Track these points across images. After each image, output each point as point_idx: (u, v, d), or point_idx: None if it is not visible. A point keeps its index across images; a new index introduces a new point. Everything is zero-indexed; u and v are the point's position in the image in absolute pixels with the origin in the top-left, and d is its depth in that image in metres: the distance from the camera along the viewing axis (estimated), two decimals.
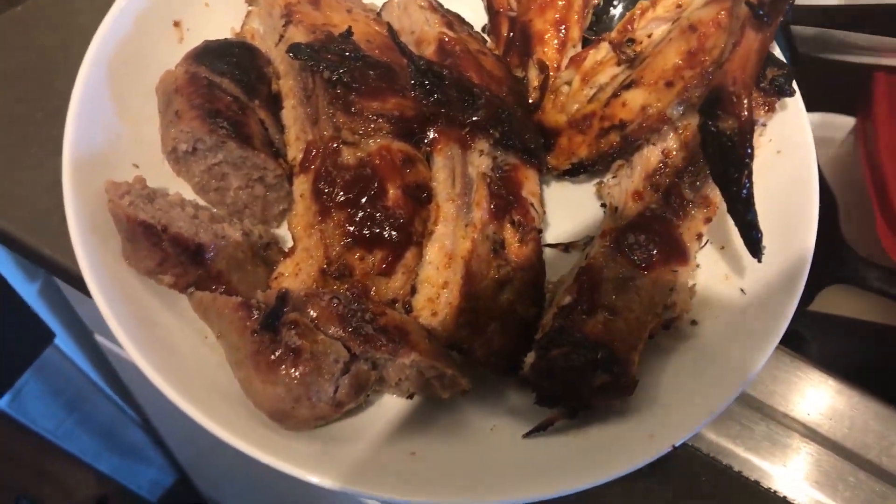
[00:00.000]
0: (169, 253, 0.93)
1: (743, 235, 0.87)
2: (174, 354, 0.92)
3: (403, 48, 0.96)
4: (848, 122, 1.81)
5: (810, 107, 1.83)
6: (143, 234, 0.92)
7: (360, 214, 0.96)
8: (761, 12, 0.82)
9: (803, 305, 1.59)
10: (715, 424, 1.09)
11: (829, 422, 1.11)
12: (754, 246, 0.87)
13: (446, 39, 1.04)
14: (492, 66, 1.04)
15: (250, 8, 1.15)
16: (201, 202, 1.05)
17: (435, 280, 0.92)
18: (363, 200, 0.96)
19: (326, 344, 0.88)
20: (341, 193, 0.97)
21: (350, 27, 1.03)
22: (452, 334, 0.92)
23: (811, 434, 1.10)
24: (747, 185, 0.84)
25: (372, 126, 0.99)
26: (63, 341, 1.94)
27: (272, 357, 0.86)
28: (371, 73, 1.00)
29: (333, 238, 0.96)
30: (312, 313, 0.90)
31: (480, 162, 0.96)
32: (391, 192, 0.96)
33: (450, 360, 0.93)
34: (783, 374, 1.13)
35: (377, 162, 0.97)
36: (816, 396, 1.12)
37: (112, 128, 1.03)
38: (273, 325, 0.87)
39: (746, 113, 0.82)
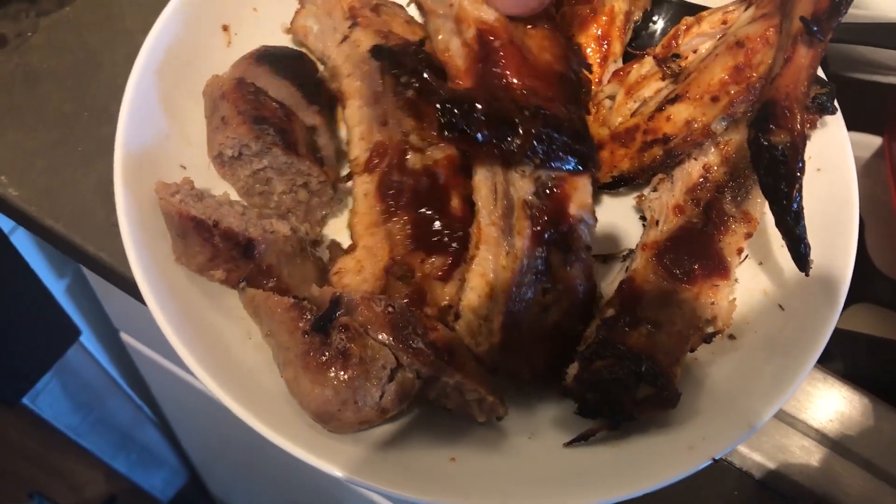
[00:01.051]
0: (220, 248, 0.95)
1: (791, 249, 0.88)
2: (222, 353, 0.93)
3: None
4: (875, 141, 1.82)
5: None
6: (194, 229, 0.94)
7: (425, 219, 0.98)
8: (815, 28, 0.83)
9: None
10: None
11: (857, 436, 1.12)
12: (802, 260, 0.88)
13: (486, 28, 0.98)
14: (539, 49, 0.99)
15: (302, 7, 1.16)
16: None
17: (477, 309, 0.92)
18: (427, 206, 0.99)
19: (375, 349, 0.88)
20: (407, 196, 0.99)
21: (423, 38, 1.05)
22: (495, 362, 0.93)
23: (843, 451, 1.11)
24: (798, 199, 0.85)
25: None
26: (88, 339, 1.96)
27: (322, 359, 0.88)
28: (440, 81, 1.02)
29: (397, 239, 0.98)
30: (364, 317, 0.91)
31: (522, 186, 0.95)
32: (454, 200, 0.99)
33: (492, 386, 0.93)
34: (812, 388, 1.13)
35: (443, 170, 1.00)
36: (842, 409, 1.13)
37: (161, 130, 1.04)
38: (325, 327, 0.88)
39: (799, 127, 0.83)
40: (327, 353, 0.88)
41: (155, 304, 0.90)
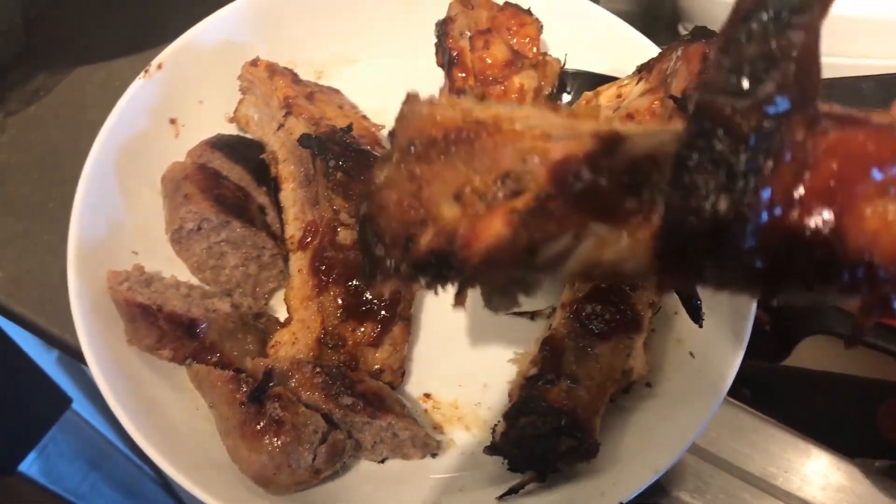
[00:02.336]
0: (165, 330, 1.03)
1: (684, 304, 0.95)
2: (168, 426, 1.01)
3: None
4: None
5: None
6: (141, 314, 1.03)
7: (354, 291, 1.06)
8: (686, 104, 0.91)
9: (781, 359, 1.66)
10: (676, 480, 1.15)
11: (786, 475, 1.17)
12: (694, 313, 0.95)
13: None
14: None
15: (244, 96, 1.26)
16: (195, 282, 1.15)
17: None
18: (357, 278, 1.06)
19: (307, 416, 0.97)
20: (337, 270, 1.07)
21: (351, 123, 1.14)
22: None
23: (770, 489, 1.16)
24: None
25: None
26: (81, 405, 2.04)
27: (257, 427, 0.96)
28: (366, 162, 1.12)
29: (329, 311, 1.06)
30: (296, 383, 1.00)
31: None
32: None
33: (420, 423, 1.02)
34: (744, 431, 1.19)
35: None
36: (776, 452, 1.18)
37: (115, 218, 1.13)
38: (259, 398, 0.96)
39: None
40: (262, 422, 0.96)
41: (104, 384, 0.98)
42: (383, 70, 1.33)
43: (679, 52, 0.97)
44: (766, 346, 1.67)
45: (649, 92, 1.01)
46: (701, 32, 0.96)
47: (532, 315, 1.16)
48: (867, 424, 1.43)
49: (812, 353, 1.69)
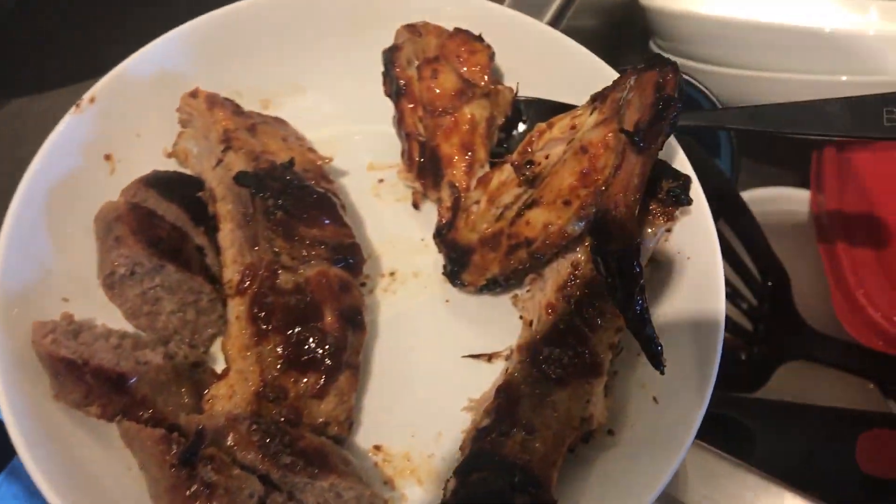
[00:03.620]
0: (92, 385, 0.96)
1: (644, 350, 0.89)
2: (96, 488, 0.94)
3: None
4: (804, 195, 1.84)
5: (769, 181, 1.86)
6: (66, 369, 0.96)
7: (296, 338, 0.99)
8: (637, 139, 0.85)
9: (758, 388, 1.61)
10: None
11: None
12: (655, 359, 0.89)
13: None
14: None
15: (183, 129, 1.19)
16: (130, 328, 1.08)
17: None
18: (299, 324, 1.00)
19: (242, 479, 0.90)
20: (278, 317, 1.00)
21: (293, 158, 1.08)
22: None
23: None
24: (640, 302, 0.86)
25: (312, 252, 1.03)
26: None
27: (188, 492, 0.88)
28: (310, 200, 1.05)
29: (269, 361, 0.99)
30: (231, 442, 0.93)
31: None
32: (328, 317, 1.00)
33: (366, 483, 0.95)
34: (715, 477, 1.13)
35: (314, 287, 1.01)
36: (749, 499, 1.12)
37: (43, 264, 1.06)
38: (190, 460, 0.89)
39: (631, 234, 0.85)
40: (193, 487, 0.88)
41: (21, 443, 0.91)
42: (332, 99, 1.28)
43: (632, 81, 0.91)
44: (743, 375, 1.62)
45: (603, 123, 0.96)
46: (653, 60, 0.90)
47: (489, 357, 1.10)
48: (846, 457, 1.37)
49: (790, 381, 1.65)
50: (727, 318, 1.02)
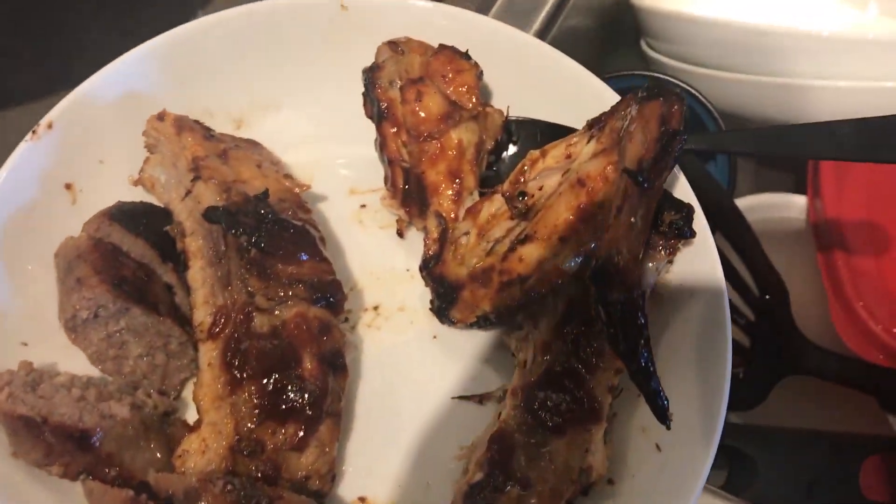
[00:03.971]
0: (53, 443, 0.89)
1: (649, 404, 0.83)
2: None
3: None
4: (801, 201, 1.79)
5: (765, 186, 1.81)
6: (24, 427, 0.89)
7: (273, 387, 0.92)
8: (641, 178, 0.79)
9: (756, 405, 1.55)
10: None
11: None
12: (661, 413, 0.83)
13: None
14: None
15: (150, 155, 1.12)
16: (95, 372, 1.01)
17: None
18: (276, 371, 0.92)
19: None
20: (253, 363, 0.93)
21: (267, 189, 1.01)
22: None
23: None
24: (645, 354, 0.80)
25: (289, 291, 0.96)
26: None
27: None
28: (286, 235, 0.98)
29: (244, 412, 0.92)
30: (206, 502, 0.86)
31: None
32: (307, 362, 0.93)
33: None
34: None
35: (292, 330, 0.94)
36: None
37: (0, 303, 0.99)
38: None
39: (634, 282, 0.78)
40: None
41: None
42: (310, 117, 1.20)
43: (634, 111, 0.84)
44: (741, 392, 1.57)
45: (602, 153, 0.89)
46: (657, 88, 0.83)
47: (481, 398, 1.03)
48: (850, 484, 1.33)
49: (788, 397, 1.60)
50: None
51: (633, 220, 0.80)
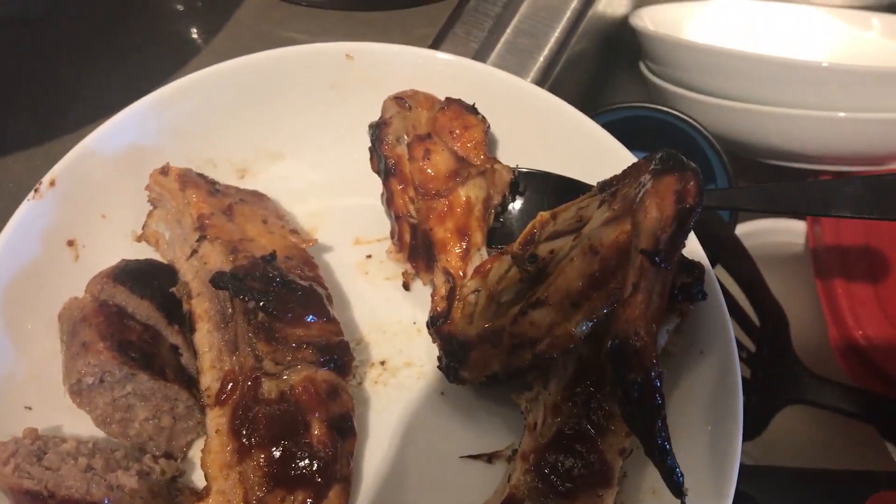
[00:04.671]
0: None
1: (664, 479, 0.82)
2: None
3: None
4: (801, 226, 1.80)
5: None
6: (30, 502, 0.88)
7: (282, 453, 0.91)
8: (658, 259, 0.78)
9: (757, 434, 1.56)
10: None
11: None
12: (676, 490, 0.82)
13: None
14: None
15: (153, 209, 1.10)
16: (101, 434, 1.00)
17: None
18: (285, 438, 0.92)
19: None
20: (262, 430, 0.92)
21: (274, 251, 1.00)
22: None
23: None
24: (662, 433, 0.79)
25: (297, 355, 0.96)
26: None
27: None
28: (294, 298, 0.97)
29: (253, 479, 0.91)
30: None
31: None
32: (315, 427, 0.92)
33: None
34: None
35: (300, 395, 0.94)
36: None
37: (4, 367, 0.98)
38: None
39: (651, 362, 0.78)
40: None
41: None
42: (314, 167, 1.19)
43: (648, 183, 0.83)
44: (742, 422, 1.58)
45: (614, 221, 0.88)
46: (672, 161, 0.83)
47: (489, 457, 1.03)
48: None
49: (788, 426, 1.61)
50: None
51: (650, 298, 0.79)
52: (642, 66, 1.86)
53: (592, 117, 1.56)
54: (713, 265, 1.56)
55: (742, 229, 1.78)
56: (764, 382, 1.60)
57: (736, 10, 2.00)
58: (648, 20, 1.80)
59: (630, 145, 1.10)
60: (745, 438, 1.57)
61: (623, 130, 1.55)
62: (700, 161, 1.65)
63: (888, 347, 1.56)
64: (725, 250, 1.53)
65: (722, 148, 1.61)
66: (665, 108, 1.61)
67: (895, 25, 1.90)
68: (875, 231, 1.66)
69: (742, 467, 1.47)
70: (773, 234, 1.81)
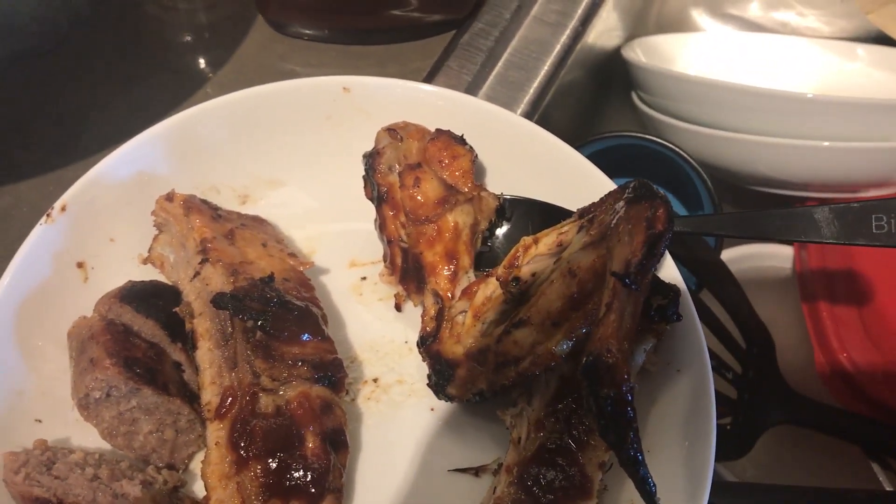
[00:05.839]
0: None
1: (637, 488, 0.87)
2: None
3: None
4: (787, 251, 1.84)
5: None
6: None
7: (278, 465, 0.96)
8: (628, 281, 0.83)
9: (743, 454, 1.60)
10: None
11: None
12: (649, 498, 0.86)
13: None
14: None
15: (159, 233, 1.16)
16: (107, 446, 1.05)
17: None
18: (281, 450, 0.97)
19: None
20: (259, 443, 0.97)
21: (272, 273, 1.05)
22: None
23: None
24: (634, 444, 0.84)
25: (293, 372, 1.01)
26: None
27: None
28: (290, 317, 1.03)
29: (250, 489, 0.96)
30: None
31: None
32: (309, 441, 0.97)
33: None
34: None
35: (296, 409, 0.99)
36: None
37: (14, 385, 1.03)
38: None
39: (624, 378, 0.83)
40: None
41: None
42: (312, 193, 1.24)
43: (622, 211, 0.89)
44: (728, 443, 1.61)
45: (591, 246, 0.93)
46: (642, 189, 0.88)
47: (477, 471, 1.07)
48: None
49: (774, 446, 1.64)
50: None
51: (622, 317, 0.85)
52: (634, 96, 1.92)
53: (584, 145, 1.64)
54: (699, 290, 1.61)
55: (730, 254, 1.83)
56: (750, 403, 1.64)
57: (725, 42, 2.06)
58: (640, 52, 1.87)
59: (620, 173, 1.16)
60: (731, 458, 1.63)
61: (613, 158, 1.62)
62: (687, 189, 1.71)
63: (872, 370, 1.59)
64: (711, 275, 1.58)
65: (712, 175, 1.67)
66: (653, 138, 1.67)
67: (880, 56, 1.96)
68: (859, 256, 1.70)
69: (727, 485, 1.52)
70: (759, 259, 1.86)
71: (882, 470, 1.56)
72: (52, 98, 1.37)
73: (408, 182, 1.08)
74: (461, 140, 1.13)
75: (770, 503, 1.41)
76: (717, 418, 1.64)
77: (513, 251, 1.02)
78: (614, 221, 0.91)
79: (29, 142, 1.32)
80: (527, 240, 1.02)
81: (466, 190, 1.10)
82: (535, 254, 1.00)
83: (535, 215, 1.14)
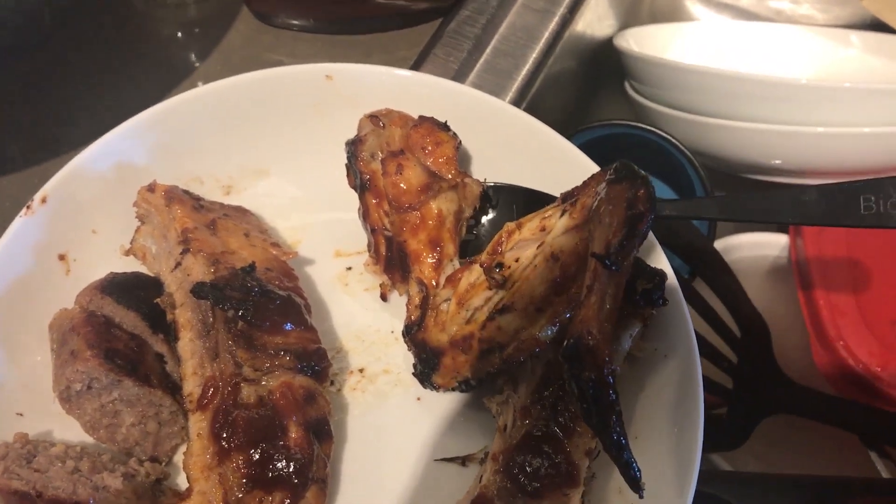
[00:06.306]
0: None
1: (622, 474, 0.86)
2: None
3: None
4: (783, 240, 1.82)
5: (746, 226, 1.84)
6: (18, 502, 0.92)
7: (260, 456, 0.95)
8: (608, 262, 0.82)
9: (739, 445, 1.58)
10: None
11: None
12: (634, 483, 0.85)
13: None
14: None
15: (141, 224, 1.15)
16: (89, 439, 1.04)
17: None
18: (263, 441, 0.96)
19: None
20: (241, 434, 0.96)
21: (254, 262, 1.04)
22: None
23: None
24: (617, 428, 0.83)
25: (276, 361, 1.00)
26: None
27: None
28: (272, 307, 1.01)
29: (232, 481, 0.95)
30: None
31: None
32: (292, 431, 0.96)
33: None
34: None
35: (278, 400, 0.97)
36: None
37: None
38: None
39: (604, 362, 0.82)
40: None
41: None
42: (297, 183, 1.23)
43: (603, 192, 0.88)
44: (724, 433, 1.60)
45: (574, 229, 0.92)
46: (624, 170, 0.87)
47: (463, 460, 1.06)
48: None
49: (771, 435, 1.63)
50: (707, 378, 0.98)
51: (603, 299, 0.83)
52: (627, 86, 1.91)
53: (576, 134, 1.62)
54: (692, 278, 1.60)
55: (725, 244, 1.81)
56: (746, 392, 1.63)
57: (719, 32, 2.05)
58: (633, 41, 1.85)
59: (613, 162, 1.14)
60: (727, 448, 1.61)
61: (606, 147, 1.60)
62: (681, 178, 1.70)
63: (868, 358, 1.58)
64: (704, 263, 1.57)
65: (706, 164, 1.65)
66: (646, 126, 1.65)
67: (873, 43, 1.94)
68: (855, 244, 1.69)
69: (723, 474, 1.50)
70: (755, 248, 1.84)
71: (879, 458, 1.54)
72: (36, 92, 1.36)
73: (390, 169, 1.07)
74: (444, 126, 1.12)
75: (767, 492, 1.39)
76: (713, 408, 1.63)
77: (496, 237, 1.01)
78: (595, 203, 0.90)
79: (13, 135, 1.31)
80: (510, 225, 1.01)
81: (450, 177, 1.08)
82: (519, 239, 0.99)
83: (520, 201, 1.12)
